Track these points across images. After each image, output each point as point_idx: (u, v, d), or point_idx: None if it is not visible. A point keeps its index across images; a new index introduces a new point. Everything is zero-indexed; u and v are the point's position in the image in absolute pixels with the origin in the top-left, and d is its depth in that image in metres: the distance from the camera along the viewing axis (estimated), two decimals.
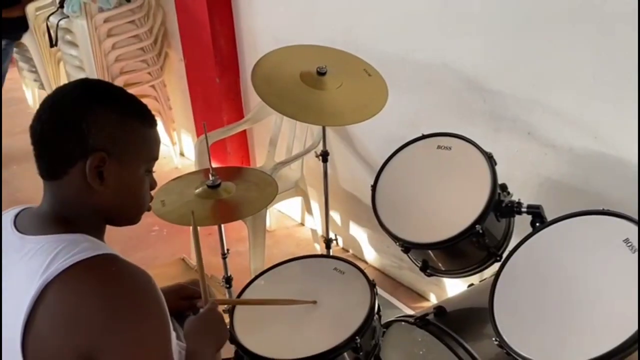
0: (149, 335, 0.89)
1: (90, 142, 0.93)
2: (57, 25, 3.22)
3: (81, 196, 0.97)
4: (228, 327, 1.48)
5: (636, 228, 1.15)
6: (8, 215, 1.02)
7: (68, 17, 3.13)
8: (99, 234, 1.00)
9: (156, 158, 1.04)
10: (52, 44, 3.30)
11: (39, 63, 3.82)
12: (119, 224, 1.05)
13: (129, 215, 1.05)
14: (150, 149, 1.02)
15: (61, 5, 3.13)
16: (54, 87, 3.84)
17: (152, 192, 1.09)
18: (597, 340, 1.05)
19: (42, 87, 3.96)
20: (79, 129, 0.93)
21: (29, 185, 3.12)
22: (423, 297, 2.47)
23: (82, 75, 3.25)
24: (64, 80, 3.81)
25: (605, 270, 1.16)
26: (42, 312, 0.87)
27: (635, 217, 1.18)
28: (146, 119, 1.01)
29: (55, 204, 0.98)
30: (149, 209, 1.09)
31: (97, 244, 0.95)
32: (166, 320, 0.93)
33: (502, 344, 1.19)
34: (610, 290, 1.13)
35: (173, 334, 1.10)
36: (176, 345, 1.11)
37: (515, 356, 1.16)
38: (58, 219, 0.97)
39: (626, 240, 1.14)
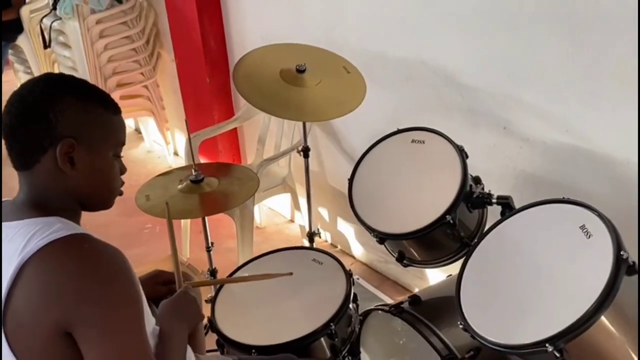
0: (121, 305, 0.94)
1: (59, 130, 0.99)
2: (51, 26, 3.27)
3: (54, 182, 1.02)
4: (207, 315, 1.53)
5: (592, 215, 1.19)
6: None
7: (61, 18, 3.18)
8: (74, 217, 1.05)
9: (123, 143, 1.11)
10: (46, 45, 3.36)
11: (34, 64, 3.87)
12: (92, 208, 1.10)
13: (101, 198, 1.10)
14: (116, 134, 1.09)
15: (54, 7, 3.18)
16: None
17: (123, 178, 1.15)
18: (552, 319, 1.10)
19: None
20: (46, 118, 0.99)
21: None
22: (408, 290, 2.51)
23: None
24: None
25: (563, 254, 1.21)
26: (19, 290, 0.92)
27: (593, 205, 1.23)
28: (109, 106, 1.07)
29: (30, 192, 1.04)
30: (120, 194, 1.14)
31: (71, 225, 1.00)
32: (138, 292, 0.98)
33: (467, 328, 1.24)
34: (566, 273, 1.18)
35: (152, 318, 1.15)
36: (153, 328, 1.16)
37: (479, 339, 1.21)
38: (33, 204, 1.02)
39: (582, 227, 1.19)
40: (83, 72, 3.22)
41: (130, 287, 0.96)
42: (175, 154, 3.84)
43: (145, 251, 2.87)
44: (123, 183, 1.14)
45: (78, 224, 1.05)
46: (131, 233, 2.97)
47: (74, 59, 3.24)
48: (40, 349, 0.93)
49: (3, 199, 1.10)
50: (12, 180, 1.21)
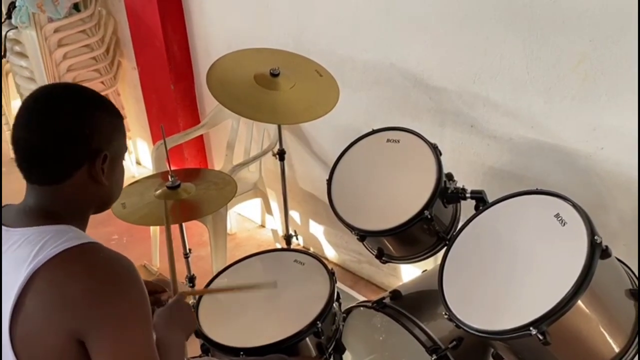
0: (135, 314, 0.95)
1: (94, 145, 1.01)
2: (5, 36, 3.17)
3: (86, 194, 1.04)
4: None
5: (565, 204, 1.26)
6: None
7: (16, 27, 3.09)
8: (82, 225, 1.06)
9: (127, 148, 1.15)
10: (1, 55, 3.25)
11: None
12: (102, 211, 1.13)
13: (114, 201, 1.14)
14: (126, 141, 1.13)
15: (9, 16, 3.09)
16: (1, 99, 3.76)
17: None
18: (534, 304, 1.15)
19: None
20: (84, 136, 1.00)
21: None
22: (382, 289, 2.56)
23: (33, 87, 3.21)
24: (12, 92, 3.75)
25: (540, 242, 1.27)
26: (32, 296, 0.92)
27: (566, 194, 1.30)
28: (120, 114, 1.10)
29: (45, 202, 1.02)
30: None
31: (82, 234, 1.01)
32: (146, 298, 0.99)
33: (452, 317, 1.28)
34: (543, 260, 1.24)
35: None
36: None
37: (464, 327, 1.25)
38: (44, 212, 1.02)
39: (557, 216, 1.25)
40: (41, 82, 3.13)
41: (142, 296, 0.98)
42: (138, 163, 3.78)
43: None
44: None
45: (85, 231, 1.05)
46: None
47: (31, 68, 3.15)
48: (50, 356, 0.93)
49: (3, 204, 1.09)
50: None
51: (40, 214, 1.01)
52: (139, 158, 3.79)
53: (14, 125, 1.01)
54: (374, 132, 1.72)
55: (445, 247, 1.56)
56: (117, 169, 1.09)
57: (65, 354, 0.92)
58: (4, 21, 3.17)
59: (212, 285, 1.71)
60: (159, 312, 1.20)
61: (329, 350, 1.57)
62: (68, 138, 0.99)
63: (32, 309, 0.92)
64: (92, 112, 1.02)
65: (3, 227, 1.01)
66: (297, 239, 2.60)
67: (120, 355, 0.92)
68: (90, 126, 1.01)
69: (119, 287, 0.94)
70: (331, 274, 1.63)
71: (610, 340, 1.21)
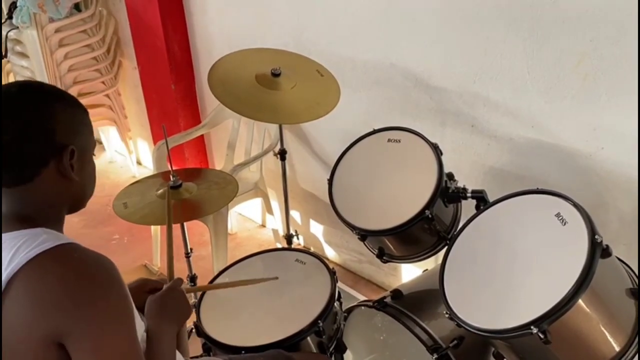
0: (114, 314, 0.93)
1: (58, 140, 0.99)
2: (6, 36, 3.18)
3: (57, 192, 1.02)
4: (192, 320, 1.53)
5: (566, 203, 1.27)
6: None
7: (17, 27, 3.10)
8: (58, 226, 1.03)
9: (95, 143, 1.12)
10: (2, 55, 3.26)
11: None
12: (77, 210, 1.10)
13: (87, 198, 1.11)
14: (93, 134, 1.10)
15: (10, 16, 3.10)
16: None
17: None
18: (535, 303, 1.16)
19: None
20: (46, 130, 0.98)
21: None
22: (382, 289, 2.56)
23: None
24: None
25: (540, 242, 1.27)
26: (9, 303, 0.90)
27: (566, 193, 1.31)
28: (84, 107, 1.07)
29: (17, 206, 1.01)
30: None
31: (57, 235, 0.98)
32: (129, 300, 0.97)
33: (453, 316, 1.29)
34: (544, 259, 1.24)
35: (141, 324, 1.14)
36: (144, 334, 1.15)
37: (465, 326, 1.26)
38: (17, 217, 1.00)
39: (557, 215, 1.25)
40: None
41: (121, 295, 0.95)
42: (139, 163, 3.78)
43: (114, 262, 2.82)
44: None
45: (62, 233, 1.03)
46: (99, 244, 2.91)
47: (32, 68, 3.15)
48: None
49: None
50: None
51: (12, 218, 0.99)
52: (140, 158, 3.79)
53: None
54: (374, 131, 1.72)
55: (446, 247, 1.57)
56: (88, 164, 1.06)
57: (47, 357, 0.90)
58: (5, 21, 3.18)
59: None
60: (150, 300, 1.17)
61: (330, 349, 1.57)
62: (29, 134, 0.97)
63: (10, 315, 0.90)
64: (51, 105, 1.00)
65: None
66: (297, 238, 2.60)
67: (102, 356, 0.90)
68: (50, 120, 0.98)
69: (97, 286, 0.92)
70: (332, 273, 1.64)
71: (611, 339, 1.22)
